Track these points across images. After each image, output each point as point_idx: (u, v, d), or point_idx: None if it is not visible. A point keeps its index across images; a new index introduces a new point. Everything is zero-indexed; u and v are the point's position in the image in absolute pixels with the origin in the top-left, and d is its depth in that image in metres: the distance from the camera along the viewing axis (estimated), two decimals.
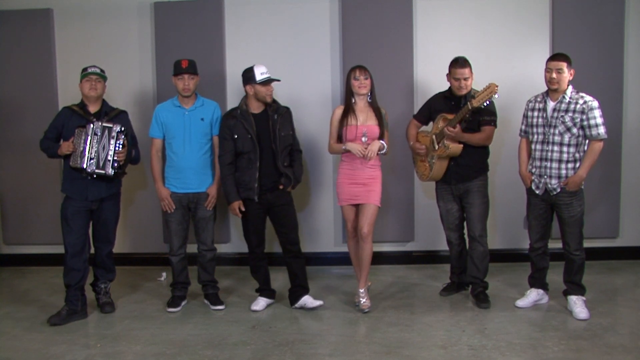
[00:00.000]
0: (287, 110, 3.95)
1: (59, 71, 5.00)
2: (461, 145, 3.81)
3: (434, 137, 3.93)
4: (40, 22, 4.96)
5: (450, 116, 3.81)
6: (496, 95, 3.56)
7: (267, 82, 3.80)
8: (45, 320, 3.82)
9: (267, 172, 3.82)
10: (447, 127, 3.76)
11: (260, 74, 3.79)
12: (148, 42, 4.97)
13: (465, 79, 3.81)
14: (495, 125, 3.89)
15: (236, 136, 3.81)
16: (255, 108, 3.86)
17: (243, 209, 3.86)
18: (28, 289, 4.55)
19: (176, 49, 4.77)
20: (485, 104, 3.61)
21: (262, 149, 3.80)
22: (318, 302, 3.94)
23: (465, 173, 3.91)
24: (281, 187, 3.86)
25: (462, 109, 3.71)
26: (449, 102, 3.94)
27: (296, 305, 3.96)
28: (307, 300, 3.96)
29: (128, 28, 4.98)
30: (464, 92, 3.84)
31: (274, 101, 3.92)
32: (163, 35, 4.89)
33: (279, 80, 3.87)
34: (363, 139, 3.78)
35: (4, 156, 5.07)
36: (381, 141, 3.78)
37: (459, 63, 3.82)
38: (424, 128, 4.18)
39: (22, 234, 5.15)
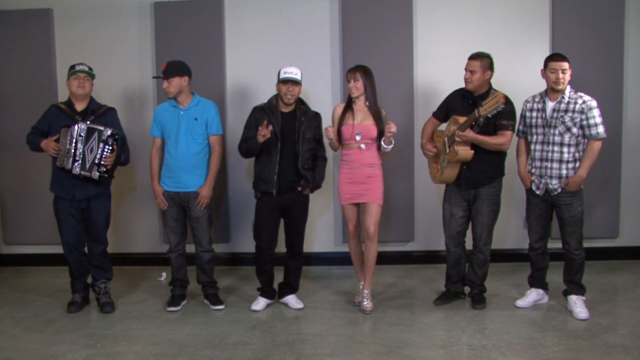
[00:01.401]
0: (315, 114, 3.96)
1: (59, 71, 4.99)
2: (472, 152, 3.71)
3: (445, 139, 3.84)
4: (40, 22, 4.95)
5: (461, 119, 3.71)
6: (502, 107, 3.51)
7: (285, 81, 3.79)
8: (45, 320, 3.84)
9: (287, 171, 3.83)
10: (457, 132, 3.68)
11: (283, 72, 3.82)
12: (148, 42, 4.97)
13: (471, 72, 3.74)
14: (513, 130, 3.77)
15: (260, 128, 3.81)
16: (284, 107, 3.88)
17: (265, 132, 3.68)
18: (28, 289, 4.55)
19: (176, 49, 4.76)
20: (490, 114, 3.55)
21: (284, 147, 3.82)
22: (300, 305, 3.99)
23: (477, 179, 3.81)
24: (299, 189, 3.87)
25: (470, 115, 3.64)
26: (465, 101, 3.83)
27: (280, 300, 4.06)
28: (291, 300, 4.02)
29: (128, 28, 4.97)
30: (469, 86, 3.77)
31: (303, 103, 3.94)
32: (163, 35, 4.89)
33: (297, 82, 3.81)
34: (357, 137, 3.78)
35: (3, 156, 5.06)
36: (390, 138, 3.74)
37: (471, 55, 3.78)
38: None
39: (22, 234, 5.14)
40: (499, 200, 3.89)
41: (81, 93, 3.88)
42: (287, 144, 3.83)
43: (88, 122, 3.80)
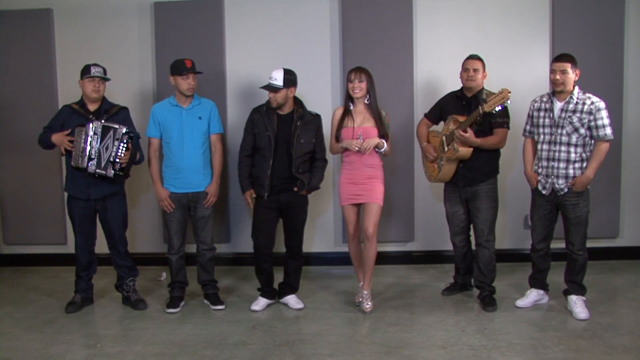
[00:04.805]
0: (314, 118, 3.92)
1: (59, 71, 5.00)
2: (471, 149, 3.75)
3: (443, 138, 3.88)
4: (40, 22, 4.95)
5: (461, 118, 3.75)
6: (509, 102, 3.52)
7: (267, 87, 3.80)
8: (45, 320, 3.84)
9: (280, 173, 3.82)
10: (457, 131, 3.70)
11: (268, 78, 3.80)
12: (148, 42, 4.97)
13: (474, 70, 3.77)
14: (508, 128, 3.82)
15: (256, 131, 3.84)
16: (280, 109, 3.86)
17: (254, 196, 3.91)
18: (28, 289, 4.55)
19: (176, 49, 4.76)
20: (496, 110, 3.55)
21: (278, 149, 3.81)
22: (300, 305, 3.99)
23: (474, 176, 3.85)
24: (295, 189, 3.87)
25: (473, 112, 3.65)
26: (459, 102, 3.88)
27: (280, 300, 4.06)
28: (291, 300, 4.02)
29: (128, 28, 4.97)
30: (472, 84, 3.80)
31: (301, 107, 3.91)
32: (163, 35, 4.89)
33: (275, 88, 3.75)
34: (359, 139, 3.77)
35: (4, 156, 5.06)
36: (380, 139, 3.76)
37: (471, 56, 3.84)
38: (434, 127, 4.15)
39: (23, 234, 5.14)
40: (497, 196, 3.93)
41: (96, 96, 3.88)
42: (281, 147, 3.82)
43: (102, 121, 3.81)
